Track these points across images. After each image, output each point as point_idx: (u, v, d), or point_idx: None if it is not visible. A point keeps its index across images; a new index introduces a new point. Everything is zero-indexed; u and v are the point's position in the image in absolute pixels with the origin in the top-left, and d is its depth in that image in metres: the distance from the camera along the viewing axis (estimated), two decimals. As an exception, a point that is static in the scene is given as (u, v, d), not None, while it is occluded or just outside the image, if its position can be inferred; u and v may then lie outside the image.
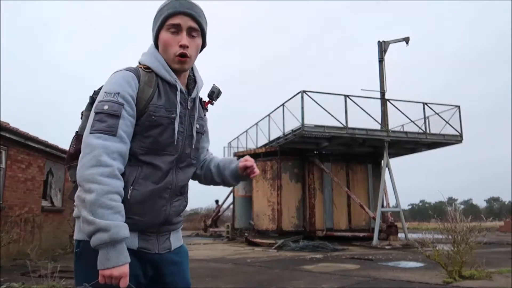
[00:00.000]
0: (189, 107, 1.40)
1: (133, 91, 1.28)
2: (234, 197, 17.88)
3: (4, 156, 8.73)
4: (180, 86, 1.37)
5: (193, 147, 1.42)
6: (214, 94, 1.52)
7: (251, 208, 15.84)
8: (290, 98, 13.63)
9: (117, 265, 1.13)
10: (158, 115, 1.30)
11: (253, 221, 15.45)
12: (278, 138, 14.53)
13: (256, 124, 17.42)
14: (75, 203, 1.20)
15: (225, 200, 20.89)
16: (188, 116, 1.40)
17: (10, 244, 7.65)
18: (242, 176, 1.52)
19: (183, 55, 1.33)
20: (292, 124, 13.47)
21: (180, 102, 1.36)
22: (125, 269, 1.14)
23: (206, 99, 1.55)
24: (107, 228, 1.11)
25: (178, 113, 1.34)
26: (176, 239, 1.45)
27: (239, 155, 16.96)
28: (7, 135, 8.53)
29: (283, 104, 14.15)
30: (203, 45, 1.44)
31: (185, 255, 1.49)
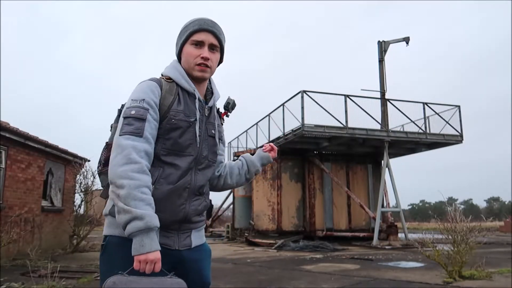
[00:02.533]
0: (206, 114, 1.54)
1: (156, 98, 1.43)
2: (234, 197, 17.87)
3: (4, 156, 8.73)
4: (198, 94, 1.52)
5: (212, 150, 1.54)
6: (230, 105, 1.66)
7: (251, 208, 15.83)
8: (290, 98, 13.63)
9: (151, 250, 1.25)
10: (177, 118, 1.44)
11: (253, 221, 15.44)
12: (278, 138, 14.52)
13: (256, 124, 17.41)
14: (108, 199, 1.36)
15: (225, 200, 20.91)
16: (205, 122, 1.53)
17: (10, 244, 7.65)
18: (267, 156, 1.72)
19: (203, 65, 1.50)
20: (292, 124, 13.48)
21: (198, 109, 1.50)
22: (159, 254, 1.27)
23: (222, 110, 1.70)
24: (142, 216, 1.24)
25: (197, 118, 1.48)
26: (198, 237, 1.53)
27: (238, 155, 16.95)
28: (7, 135, 8.52)
29: (283, 104, 14.14)
30: (221, 60, 1.61)
31: (206, 253, 1.57)
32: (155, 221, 1.27)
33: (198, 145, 1.46)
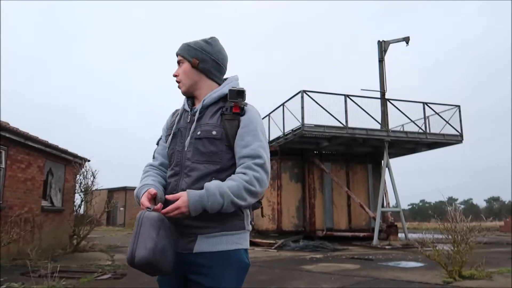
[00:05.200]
0: (193, 120, 1.60)
1: (167, 125, 1.76)
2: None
3: (4, 156, 8.73)
4: (186, 107, 1.68)
5: (199, 152, 1.54)
6: (234, 95, 1.59)
7: (251, 208, 15.81)
8: (290, 98, 13.63)
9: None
10: (165, 136, 1.72)
11: (253, 221, 15.43)
12: (278, 138, 14.53)
13: (256, 124, 17.39)
14: None
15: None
16: (194, 126, 1.59)
17: (10, 244, 7.65)
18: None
19: (177, 82, 1.69)
20: (292, 124, 13.47)
21: (182, 119, 1.67)
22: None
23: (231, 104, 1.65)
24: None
25: (179, 127, 1.64)
26: (207, 244, 1.46)
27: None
28: (7, 135, 8.52)
29: (283, 104, 14.14)
30: (195, 63, 1.62)
31: (221, 261, 1.46)
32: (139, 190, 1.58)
33: (173, 153, 1.62)
